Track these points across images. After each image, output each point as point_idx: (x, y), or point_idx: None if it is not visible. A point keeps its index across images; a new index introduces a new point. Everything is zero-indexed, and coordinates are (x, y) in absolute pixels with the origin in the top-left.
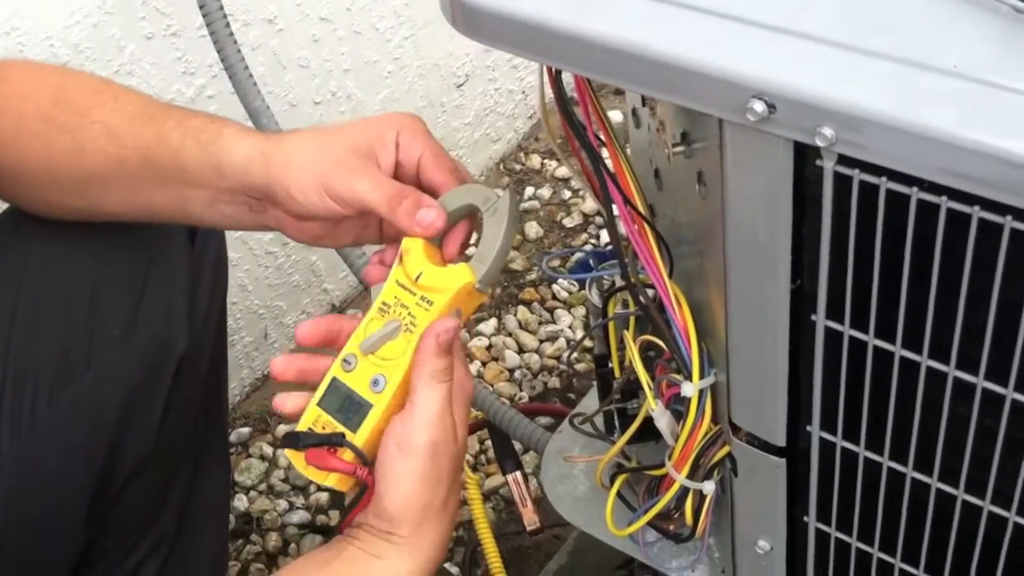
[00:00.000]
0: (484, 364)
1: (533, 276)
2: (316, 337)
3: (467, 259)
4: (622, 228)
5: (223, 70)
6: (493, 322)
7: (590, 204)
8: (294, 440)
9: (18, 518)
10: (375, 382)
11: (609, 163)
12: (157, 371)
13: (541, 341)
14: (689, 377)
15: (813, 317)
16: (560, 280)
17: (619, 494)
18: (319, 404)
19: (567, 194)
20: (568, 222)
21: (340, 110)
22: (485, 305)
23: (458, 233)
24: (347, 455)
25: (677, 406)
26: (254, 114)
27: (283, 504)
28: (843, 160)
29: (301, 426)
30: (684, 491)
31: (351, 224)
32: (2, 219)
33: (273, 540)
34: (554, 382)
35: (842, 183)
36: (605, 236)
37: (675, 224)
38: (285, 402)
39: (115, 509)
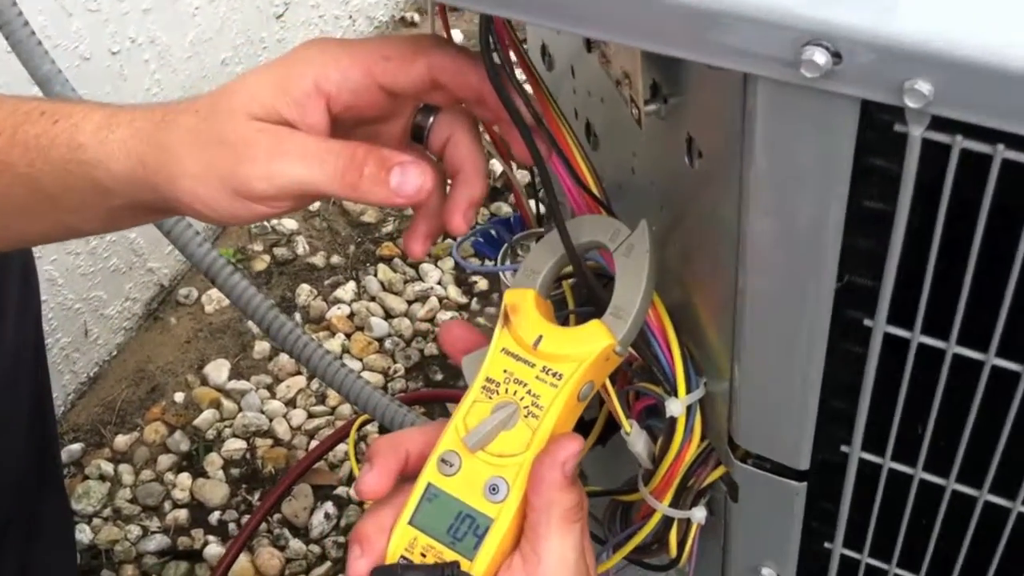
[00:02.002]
0: (348, 336)
1: (389, 228)
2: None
3: (592, 313)
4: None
5: None
6: (352, 286)
7: None
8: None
9: None
10: (493, 488)
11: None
12: None
13: (409, 303)
14: (672, 391)
15: (867, 322)
16: None
17: None
18: (413, 523)
19: None
20: None
21: (143, 58)
22: (340, 267)
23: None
24: None
25: (651, 421)
26: (43, 80)
27: (135, 530)
28: (934, 123)
29: (391, 554)
30: (666, 520)
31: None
32: None
33: (129, 573)
34: (431, 348)
35: (930, 153)
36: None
37: (623, 195)
38: (367, 481)
39: None
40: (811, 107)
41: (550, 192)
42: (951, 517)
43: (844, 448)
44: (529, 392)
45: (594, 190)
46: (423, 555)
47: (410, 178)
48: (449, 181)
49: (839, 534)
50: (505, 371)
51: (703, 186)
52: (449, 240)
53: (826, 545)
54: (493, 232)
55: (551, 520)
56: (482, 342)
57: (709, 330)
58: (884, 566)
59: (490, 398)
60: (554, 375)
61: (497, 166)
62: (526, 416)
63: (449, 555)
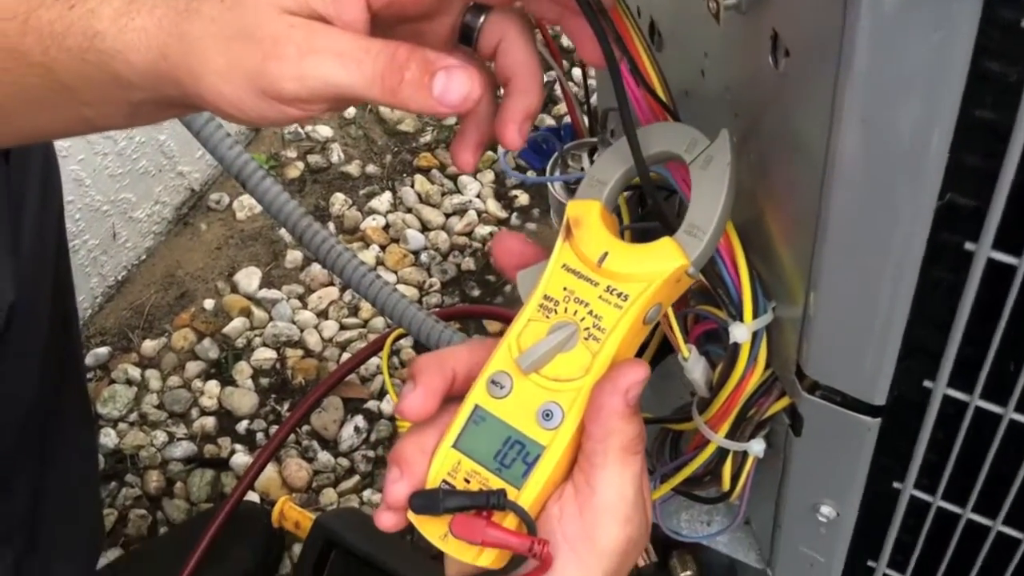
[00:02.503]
0: (383, 248)
1: (427, 138)
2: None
3: (664, 230)
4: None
5: None
6: (387, 196)
7: None
8: (429, 501)
9: None
10: (546, 414)
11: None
12: None
13: (447, 215)
14: (737, 315)
15: (969, 245)
16: None
17: None
18: (457, 446)
19: None
20: None
21: None
22: (375, 176)
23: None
24: (509, 521)
25: (710, 346)
26: None
27: (161, 436)
28: None
29: (433, 478)
30: (721, 452)
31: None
32: None
33: (154, 480)
34: (468, 263)
35: None
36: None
37: (689, 102)
38: (410, 402)
39: None
40: None
41: (622, 96)
42: None
43: (927, 383)
44: (591, 313)
45: (662, 95)
46: (467, 481)
47: (455, 84)
48: (501, 90)
49: (911, 474)
50: (565, 289)
51: (788, 90)
52: (490, 152)
53: (895, 485)
54: (541, 141)
55: (609, 451)
56: (538, 256)
57: (782, 250)
58: (957, 510)
59: (547, 317)
60: (619, 295)
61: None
62: (586, 338)
63: (495, 482)
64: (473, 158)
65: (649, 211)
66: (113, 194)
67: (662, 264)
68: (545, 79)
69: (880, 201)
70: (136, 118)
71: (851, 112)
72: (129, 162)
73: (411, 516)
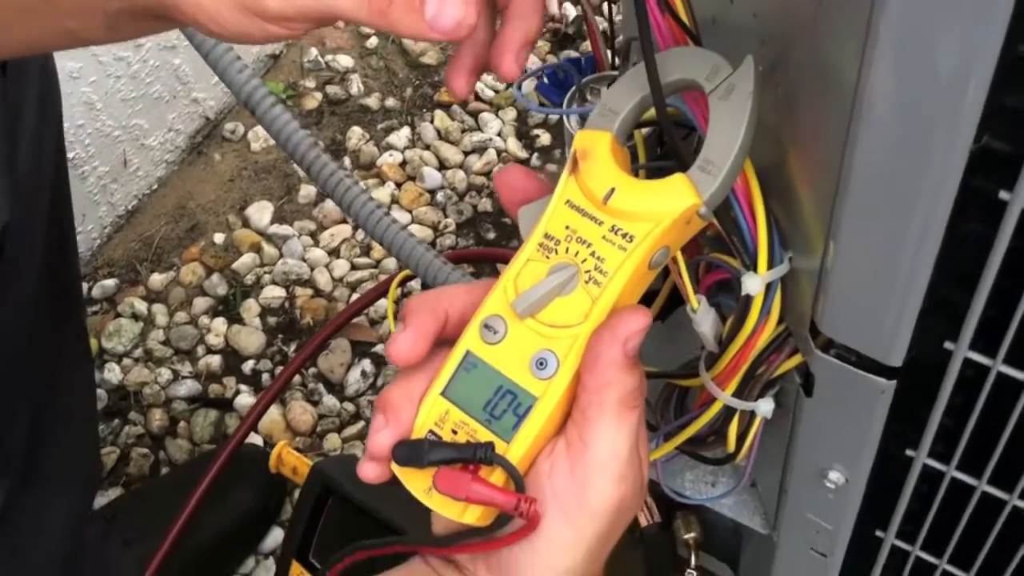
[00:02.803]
0: (399, 186)
1: None
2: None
3: (678, 166)
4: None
5: None
6: (406, 132)
7: None
8: (413, 453)
9: None
10: (540, 362)
11: None
12: None
13: (466, 153)
14: (751, 265)
15: (1003, 194)
16: (484, 76)
17: None
18: (446, 394)
19: None
20: None
21: None
22: (395, 110)
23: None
24: (497, 476)
25: (721, 297)
26: None
27: (166, 374)
28: None
29: (419, 427)
30: (727, 411)
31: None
32: None
33: (157, 418)
34: (484, 204)
35: None
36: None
37: (715, 31)
38: (399, 344)
39: None
40: None
41: (641, 12)
42: None
43: (948, 345)
44: (593, 254)
45: (684, 18)
46: (454, 432)
47: (449, 9)
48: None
49: (925, 442)
50: (568, 227)
51: (821, 18)
52: (513, 87)
53: (908, 452)
54: (560, 73)
55: (604, 404)
56: (543, 191)
57: (803, 196)
58: (973, 481)
59: (547, 257)
60: (624, 236)
61: (569, 9)
62: (587, 282)
63: (483, 434)
64: (467, 84)
65: (666, 150)
66: (125, 119)
67: (672, 202)
68: (574, 13)
69: (911, 142)
70: (115, 31)
71: (887, 45)
72: (143, 86)
73: (394, 468)
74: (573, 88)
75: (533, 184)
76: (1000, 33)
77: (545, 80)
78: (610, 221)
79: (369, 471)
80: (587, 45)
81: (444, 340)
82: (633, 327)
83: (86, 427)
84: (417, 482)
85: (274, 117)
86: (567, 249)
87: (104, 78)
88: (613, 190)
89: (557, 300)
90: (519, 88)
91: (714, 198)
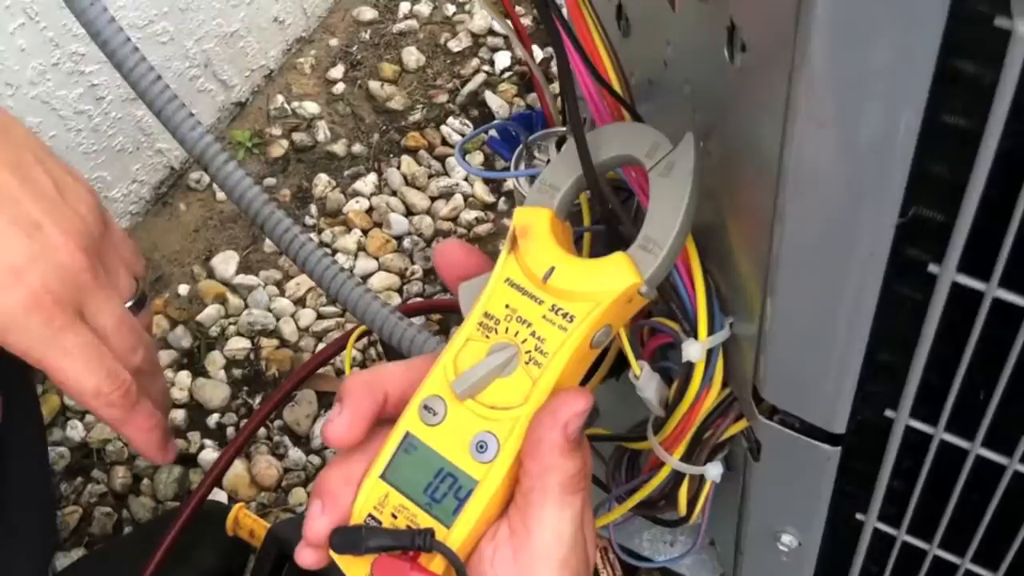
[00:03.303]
0: (366, 232)
1: (417, 116)
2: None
3: (617, 244)
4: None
5: None
6: (372, 178)
7: (479, 22)
8: (351, 540)
9: None
10: (480, 445)
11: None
12: None
13: (433, 199)
14: (691, 331)
15: (933, 268)
16: (451, 120)
17: None
18: (385, 477)
19: (451, 9)
20: (454, 45)
21: None
22: (361, 156)
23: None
24: (437, 564)
25: (666, 361)
26: None
27: None
28: None
29: (358, 512)
30: (677, 475)
31: None
32: None
33: (120, 475)
34: None
35: None
36: (503, 61)
37: (653, 93)
38: (335, 427)
39: None
40: None
41: (566, 82)
42: (1010, 498)
43: (889, 413)
44: (533, 334)
45: (616, 86)
46: (394, 516)
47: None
48: None
49: (874, 507)
50: (507, 306)
51: (745, 87)
52: (483, 134)
53: (858, 516)
54: (512, 129)
55: (547, 489)
56: (483, 267)
57: (741, 261)
58: (924, 546)
59: (487, 337)
60: (565, 316)
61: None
62: (527, 362)
63: (424, 519)
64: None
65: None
66: (88, 172)
67: (612, 282)
68: (541, 55)
69: (840, 212)
70: None
71: (807, 114)
72: (105, 138)
73: (333, 554)
74: (520, 147)
75: (473, 259)
76: (922, 99)
77: (496, 135)
78: (550, 300)
79: (307, 557)
80: (555, 86)
81: (385, 419)
82: (573, 409)
83: (41, 487)
84: (356, 569)
85: (227, 174)
86: (507, 329)
87: (65, 132)
88: (553, 269)
89: (497, 381)
90: (460, 149)
91: (655, 277)
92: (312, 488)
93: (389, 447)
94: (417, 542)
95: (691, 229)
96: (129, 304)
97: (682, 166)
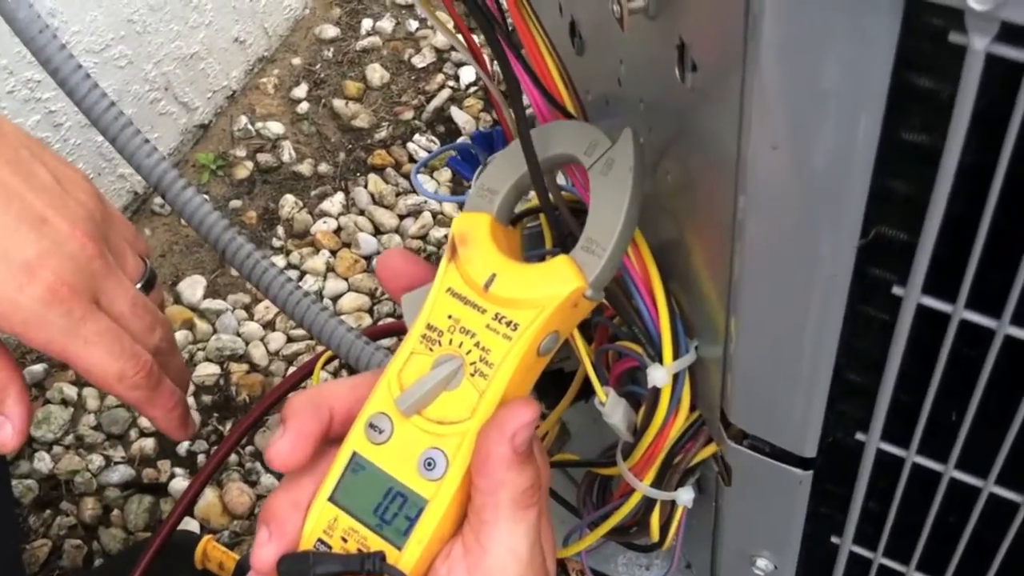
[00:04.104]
0: (334, 253)
1: (383, 134)
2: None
3: (557, 248)
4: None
5: None
6: (340, 197)
7: (443, 37)
8: (299, 567)
9: None
10: (428, 463)
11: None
12: None
13: (401, 217)
14: (656, 356)
15: (897, 290)
16: (418, 137)
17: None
18: (334, 499)
19: (413, 25)
20: (418, 61)
21: None
22: (328, 176)
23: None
24: None
25: (633, 387)
26: None
27: (97, 460)
28: (1004, 33)
29: (307, 537)
30: (648, 500)
31: None
32: None
33: (90, 507)
34: None
35: (995, 73)
36: (468, 76)
37: (610, 112)
38: (278, 449)
39: None
40: (838, 5)
41: (511, 83)
42: (987, 521)
43: (860, 436)
44: (478, 344)
45: (567, 103)
46: (344, 539)
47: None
48: None
49: (849, 530)
50: (450, 317)
51: (697, 107)
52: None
53: (834, 539)
54: (472, 149)
55: (499, 506)
56: (427, 277)
57: (704, 281)
58: (901, 568)
59: (431, 350)
60: (509, 324)
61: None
62: (473, 374)
63: (374, 541)
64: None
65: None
66: None
67: (555, 287)
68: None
69: (799, 235)
70: None
71: (760, 136)
72: None
73: None
74: (480, 167)
75: (415, 269)
76: (878, 117)
77: (457, 155)
78: (493, 309)
79: None
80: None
81: (333, 439)
82: (520, 421)
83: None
84: None
85: (186, 200)
86: (451, 340)
87: None
88: (494, 276)
89: (443, 395)
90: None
91: (600, 279)
92: (258, 515)
93: (336, 468)
94: (367, 566)
95: (652, 247)
96: (139, 285)
97: (622, 163)
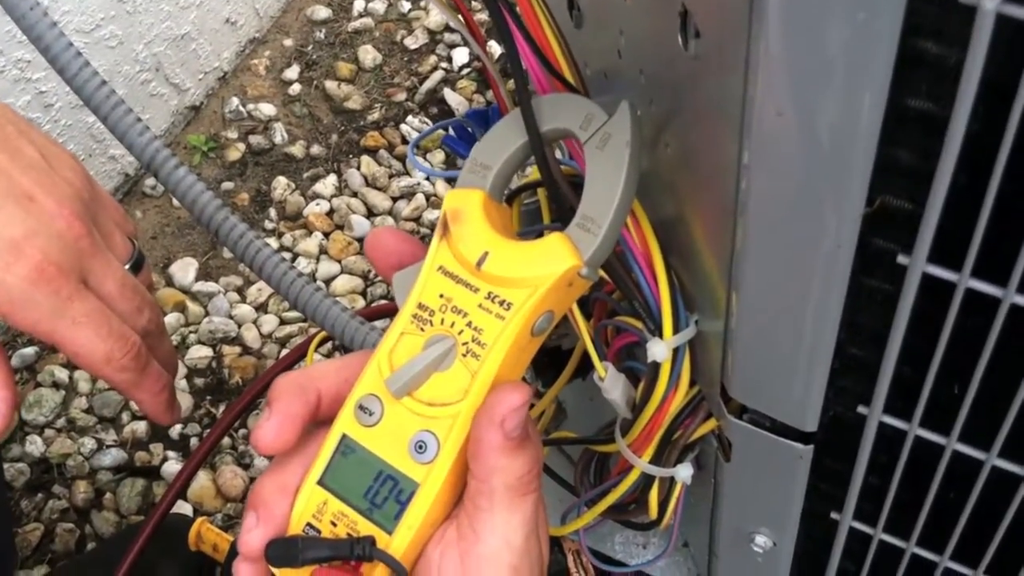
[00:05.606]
0: (327, 235)
1: (375, 116)
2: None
3: (557, 224)
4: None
5: None
6: (332, 179)
7: (436, 18)
8: (287, 552)
9: None
10: (419, 445)
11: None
12: None
13: (394, 199)
14: (656, 330)
15: (902, 259)
16: (411, 119)
17: (546, 467)
18: (323, 482)
19: (406, 6)
20: (411, 42)
21: None
22: (320, 158)
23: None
24: (379, 572)
25: (632, 362)
26: None
27: (89, 443)
28: None
29: (296, 521)
30: (647, 477)
31: None
32: None
33: (82, 490)
34: None
35: (1005, 36)
36: (461, 58)
37: (609, 86)
38: (264, 432)
39: None
40: None
41: (510, 48)
42: (989, 495)
43: (862, 409)
44: (470, 324)
45: (567, 74)
46: (334, 523)
47: None
48: None
49: (849, 505)
50: (442, 296)
51: (700, 75)
52: (441, 130)
53: (833, 515)
54: (467, 126)
55: (493, 493)
56: (418, 255)
57: (705, 256)
58: (901, 544)
59: (422, 330)
60: (502, 303)
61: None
62: (465, 355)
63: (364, 525)
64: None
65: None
66: None
67: (550, 265)
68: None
69: (801, 206)
70: None
71: (765, 103)
72: None
73: (272, 568)
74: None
75: (406, 246)
76: (884, 83)
77: (453, 133)
78: (486, 288)
79: (243, 572)
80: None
81: (321, 421)
82: (509, 405)
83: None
84: None
85: (179, 179)
86: (443, 320)
87: None
88: (487, 254)
89: (435, 376)
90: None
91: (596, 257)
92: (247, 499)
93: (325, 451)
94: (356, 551)
95: (652, 222)
96: (127, 266)
97: (618, 138)
